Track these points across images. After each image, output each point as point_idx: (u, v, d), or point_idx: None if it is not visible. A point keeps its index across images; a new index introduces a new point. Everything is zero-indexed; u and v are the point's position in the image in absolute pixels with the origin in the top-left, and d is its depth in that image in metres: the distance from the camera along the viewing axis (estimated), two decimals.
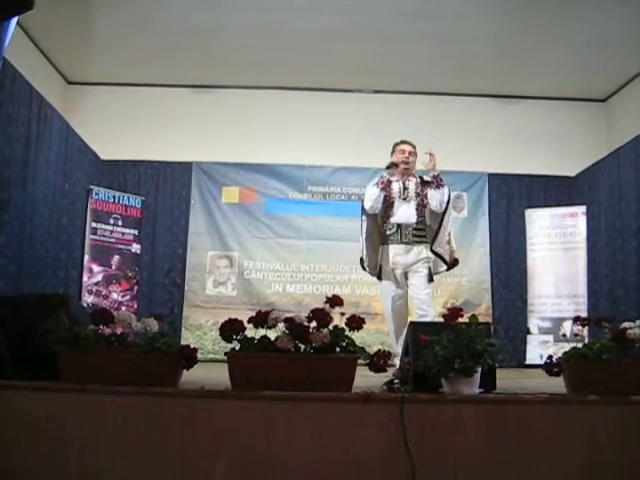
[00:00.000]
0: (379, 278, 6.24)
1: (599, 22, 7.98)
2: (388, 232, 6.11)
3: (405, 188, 6.18)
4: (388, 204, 6.13)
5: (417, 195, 6.14)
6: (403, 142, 6.36)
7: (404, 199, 6.13)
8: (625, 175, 8.18)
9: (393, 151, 6.38)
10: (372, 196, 6.07)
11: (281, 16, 8.13)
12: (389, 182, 6.13)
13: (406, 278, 6.10)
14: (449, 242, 6.18)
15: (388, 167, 6.12)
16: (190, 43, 8.76)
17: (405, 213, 6.12)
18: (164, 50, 8.97)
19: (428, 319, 5.73)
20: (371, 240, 6.20)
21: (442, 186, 6.07)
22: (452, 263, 6.23)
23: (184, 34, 8.54)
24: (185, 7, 7.98)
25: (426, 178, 6.23)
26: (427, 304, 5.92)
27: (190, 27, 8.37)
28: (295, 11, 8.03)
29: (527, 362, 8.83)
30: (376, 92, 10.15)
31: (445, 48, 8.76)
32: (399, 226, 6.08)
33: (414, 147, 6.34)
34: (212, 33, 8.53)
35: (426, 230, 6.13)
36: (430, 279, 6.08)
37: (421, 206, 6.11)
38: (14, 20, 4.75)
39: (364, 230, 6.19)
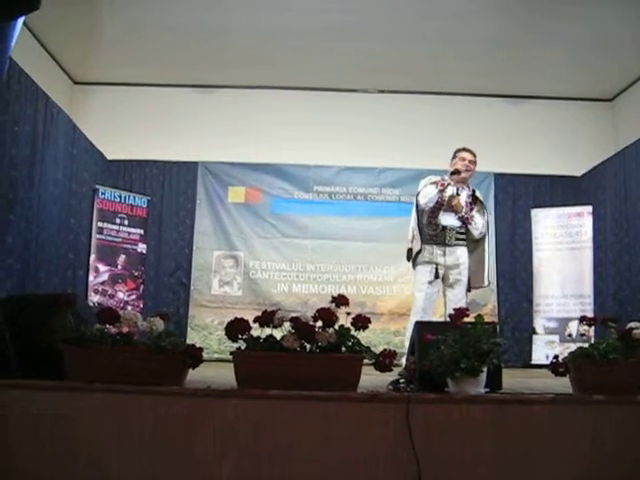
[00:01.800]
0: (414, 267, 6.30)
1: (605, 21, 7.96)
2: (432, 232, 6.15)
3: (458, 194, 6.22)
4: (438, 206, 6.15)
5: (465, 206, 6.20)
6: (465, 149, 6.38)
7: (451, 206, 6.17)
8: (631, 175, 8.17)
9: (454, 157, 6.40)
10: (429, 194, 6.12)
11: (287, 16, 8.13)
12: (448, 185, 6.17)
13: (442, 279, 6.15)
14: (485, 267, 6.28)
15: (453, 173, 6.21)
16: (196, 43, 8.77)
17: (451, 216, 6.18)
18: (170, 50, 8.98)
19: None
20: (420, 233, 6.24)
21: (484, 213, 6.30)
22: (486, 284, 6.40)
23: (190, 34, 8.55)
24: (191, 7, 7.98)
25: (477, 194, 6.36)
26: None
27: (196, 27, 8.38)
28: (300, 11, 8.03)
29: (533, 362, 8.83)
30: (381, 92, 10.15)
31: (451, 48, 8.75)
32: (444, 228, 6.13)
33: (475, 156, 6.38)
34: (217, 33, 8.54)
35: (467, 235, 6.21)
36: (468, 289, 6.20)
37: (464, 219, 6.17)
38: (20, 20, 4.76)
39: (415, 224, 6.23)
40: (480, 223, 6.19)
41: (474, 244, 6.25)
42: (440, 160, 6.73)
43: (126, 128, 9.70)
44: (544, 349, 8.82)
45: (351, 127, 9.76)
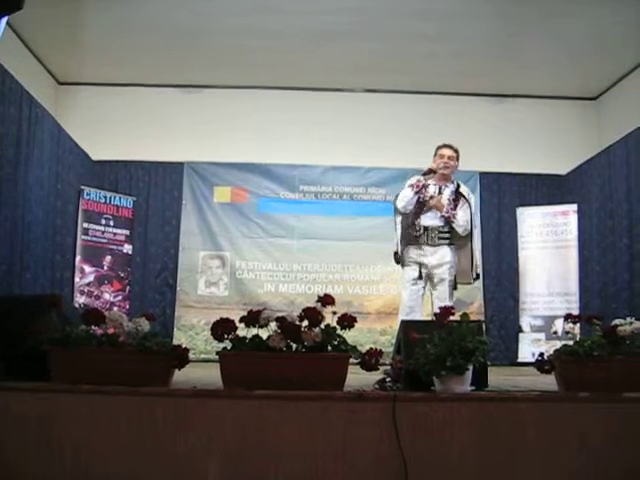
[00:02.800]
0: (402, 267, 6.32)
1: (590, 21, 7.99)
2: (415, 233, 6.16)
3: (440, 193, 6.20)
4: (420, 206, 6.16)
5: (448, 203, 6.17)
6: (445, 146, 6.35)
7: (432, 206, 6.16)
8: (616, 173, 8.20)
9: (435, 154, 6.37)
10: (405, 198, 6.15)
11: (273, 16, 8.11)
12: (425, 185, 6.15)
13: (429, 279, 6.15)
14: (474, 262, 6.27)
15: (424, 174, 6.19)
16: (181, 43, 8.75)
17: (432, 217, 6.17)
18: (155, 50, 8.96)
19: None
20: (404, 235, 6.28)
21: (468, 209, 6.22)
22: (474, 279, 6.35)
23: (174, 34, 8.53)
24: (175, 8, 7.97)
25: (462, 190, 6.30)
26: None
27: (181, 27, 8.36)
28: (286, 11, 8.02)
29: (519, 360, 8.86)
30: (368, 91, 10.15)
31: (437, 47, 8.76)
32: (426, 228, 6.13)
33: (456, 151, 6.34)
34: (203, 33, 8.52)
35: (452, 233, 6.18)
36: (454, 287, 6.17)
37: (446, 218, 6.15)
38: (4, 20, 4.75)
39: (398, 226, 6.28)
40: (463, 220, 6.15)
41: (462, 240, 6.23)
42: (426, 159, 6.72)
43: (111, 129, 9.66)
44: (530, 347, 8.84)
45: (337, 126, 9.77)
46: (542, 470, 3.30)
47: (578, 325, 4.08)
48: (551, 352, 3.78)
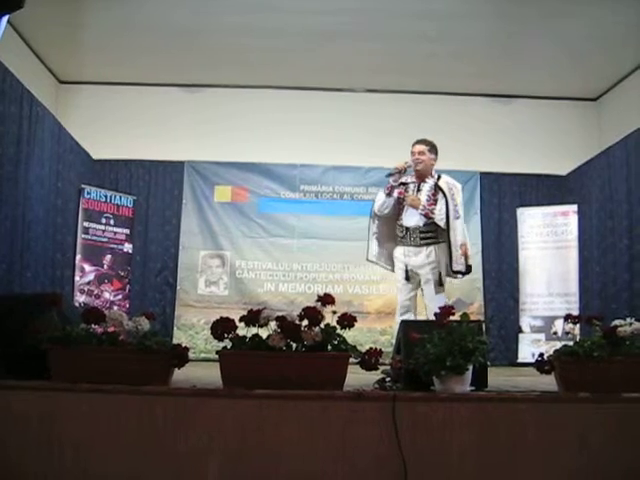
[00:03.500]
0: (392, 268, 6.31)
1: (590, 21, 7.99)
2: (400, 234, 6.13)
3: (419, 190, 6.17)
4: (401, 206, 6.14)
5: (427, 199, 6.10)
6: (416, 142, 6.26)
7: (410, 205, 6.10)
8: (616, 174, 8.20)
9: None
10: (378, 201, 6.19)
11: (274, 15, 8.11)
12: (396, 186, 6.10)
13: (418, 277, 6.13)
14: (465, 253, 6.16)
15: (390, 174, 6.11)
16: (181, 42, 8.75)
17: (413, 216, 6.10)
18: (155, 49, 8.96)
19: None
20: (382, 237, 6.27)
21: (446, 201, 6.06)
22: (465, 271, 6.25)
23: (175, 33, 8.52)
24: (175, 7, 7.97)
25: (441, 183, 6.14)
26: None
27: (181, 26, 8.36)
28: (288, 11, 8.01)
29: (519, 360, 8.85)
30: (368, 91, 10.15)
31: (437, 48, 8.75)
32: (407, 229, 6.09)
33: (428, 145, 6.21)
34: (203, 32, 8.51)
35: (437, 231, 6.07)
36: (440, 284, 6.09)
37: (426, 212, 6.07)
38: (5, 19, 4.75)
39: (373, 231, 6.28)
40: (441, 213, 6.00)
41: (445, 234, 6.08)
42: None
43: (112, 127, 9.65)
44: (530, 347, 8.84)
45: (338, 126, 9.76)
46: (542, 470, 3.31)
47: (578, 326, 4.09)
48: (551, 353, 3.78)
